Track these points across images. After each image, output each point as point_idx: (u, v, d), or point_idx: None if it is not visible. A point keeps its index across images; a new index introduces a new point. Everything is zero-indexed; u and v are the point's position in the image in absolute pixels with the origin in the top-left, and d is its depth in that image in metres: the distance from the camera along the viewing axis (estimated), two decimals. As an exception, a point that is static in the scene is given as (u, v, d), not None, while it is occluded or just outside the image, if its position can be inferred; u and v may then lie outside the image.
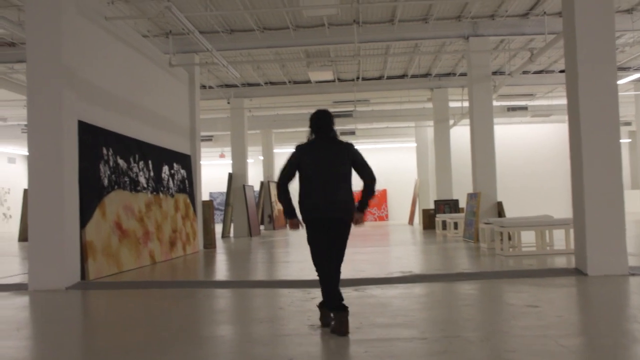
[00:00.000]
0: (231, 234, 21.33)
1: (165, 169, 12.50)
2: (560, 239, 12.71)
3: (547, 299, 6.15)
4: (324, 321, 5.18)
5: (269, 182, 26.47)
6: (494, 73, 19.40)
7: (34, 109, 8.26)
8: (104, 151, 9.70)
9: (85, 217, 8.78)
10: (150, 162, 11.64)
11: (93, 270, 8.80)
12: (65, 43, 8.43)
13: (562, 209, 28.75)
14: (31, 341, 5.12)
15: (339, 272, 5.13)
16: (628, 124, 28.12)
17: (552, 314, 5.35)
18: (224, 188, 38.17)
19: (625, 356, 3.93)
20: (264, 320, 5.58)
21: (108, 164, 9.77)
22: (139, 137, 11.35)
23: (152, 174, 11.66)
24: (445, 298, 6.64)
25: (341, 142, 5.23)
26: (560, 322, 5.03)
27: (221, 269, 10.97)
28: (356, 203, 5.24)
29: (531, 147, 29.30)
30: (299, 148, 5.21)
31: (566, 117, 27.44)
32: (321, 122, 5.25)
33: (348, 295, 6.77)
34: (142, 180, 11.13)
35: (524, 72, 19.62)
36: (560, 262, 9.67)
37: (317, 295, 6.90)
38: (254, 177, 36.25)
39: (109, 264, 9.36)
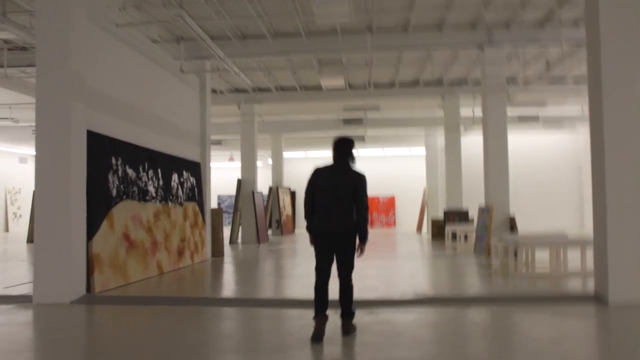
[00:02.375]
0: (239, 240, 21.13)
1: (175, 177, 12.32)
2: (575, 257, 12.30)
3: (571, 333, 5.89)
4: (316, 330, 5.64)
5: (277, 187, 26.28)
6: (507, 82, 19.13)
7: (42, 119, 8.08)
8: (113, 161, 9.52)
9: (92, 229, 8.59)
10: (159, 170, 11.46)
11: (99, 283, 8.62)
12: (74, 51, 8.26)
13: (572, 218, 28.47)
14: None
15: (348, 282, 5.84)
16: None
17: (579, 354, 5.12)
18: (232, 191, 37.97)
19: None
20: (274, 349, 5.36)
21: (117, 174, 9.59)
22: (149, 145, 11.17)
23: (161, 182, 11.48)
24: (462, 327, 6.41)
25: (351, 172, 5.86)
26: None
27: (229, 282, 10.77)
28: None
29: (541, 155, 29.02)
30: (316, 171, 5.94)
31: (577, 127, 27.12)
32: (339, 149, 5.94)
33: (361, 319, 6.53)
34: (151, 189, 10.95)
35: (536, 78, 19.34)
36: (577, 285, 9.42)
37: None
38: (263, 181, 36.04)
39: (116, 276, 9.17)
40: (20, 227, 32.54)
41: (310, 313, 6.98)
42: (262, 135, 26.69)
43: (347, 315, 5.92)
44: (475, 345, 5.55)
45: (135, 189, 10.23)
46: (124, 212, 9.68)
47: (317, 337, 5.59)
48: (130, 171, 10.11)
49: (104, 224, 8.96)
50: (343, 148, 5.93)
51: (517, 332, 6.00)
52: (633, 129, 7.65)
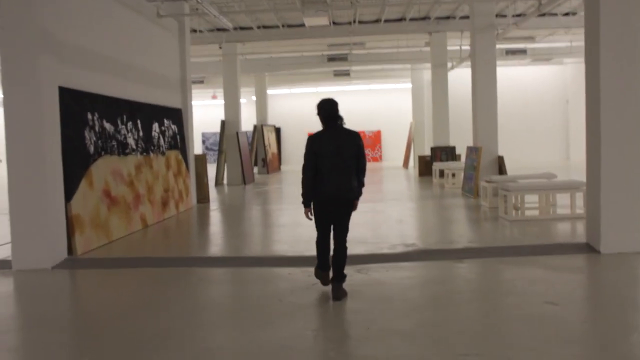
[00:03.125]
0: (225, 182, 20.87)
1: (156, 126, 11.94)
2: (565, 196, 11.99)
3: (565, 292, 5.75)
4: (324, 281, 6.07)
5: (262, 126, 25.90)
6: (496, 15, 18.55)
7: (10, 78, 7.61)
8: (89, 116, 9.12)
9: (70, 189, 8.28)
10: (139, 121, 11.06)
11: (80, 245, 8.37)
12: (40, 2, 7.72)
13: (558, 151, 28.39)
14: (13, 353, 4.75)
15: (344, 244, 5.83)
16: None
17: (575, 319, 5.01)
18: (216, 128, 37.38)
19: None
20: (263, 321, 5.19)
21: (94, 130, 9.21)
22: (126, 96, 10.71)
23: (141, 133, 11.10)
24: (456, 288, 6.29)
25: (349, 132, 5.80)
26: (588, 334, 4.70)
27: (214, 236, 10.59)
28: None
29: (527, 88, 28.66)
30: (313, 138, 5.75)
31: (566, 60, 26.69)
32: (328, 113, 5.78)
33: (351, 278, 6.29)
34: (131, 141, 10.59)
35: (525, 15, 18.81)
36: (567, 230, 9.34)
37: (316, 281, 6.40)
38: (247, 118, 35.46)
39: (98, 235, 8.93)
40: (2, 171, 32.02)
41: (299, 271, 6.86)
42: (245, 75, 26.09)
43: (339, 279, 5.79)
44: (470, 310, 5.41)
45: (114, 143, 9.87)
46: (103, 169, 9.36)
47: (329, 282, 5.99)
48: (107, 125, 9.73)
49: (83, 183, 8.65)
50: (331, 110, 5.78)
51: (512, 293, 5.85)
52: (630, 70, 7.31)
